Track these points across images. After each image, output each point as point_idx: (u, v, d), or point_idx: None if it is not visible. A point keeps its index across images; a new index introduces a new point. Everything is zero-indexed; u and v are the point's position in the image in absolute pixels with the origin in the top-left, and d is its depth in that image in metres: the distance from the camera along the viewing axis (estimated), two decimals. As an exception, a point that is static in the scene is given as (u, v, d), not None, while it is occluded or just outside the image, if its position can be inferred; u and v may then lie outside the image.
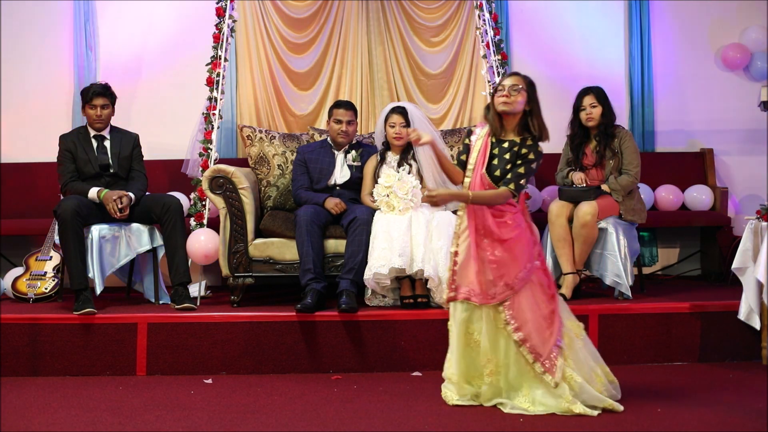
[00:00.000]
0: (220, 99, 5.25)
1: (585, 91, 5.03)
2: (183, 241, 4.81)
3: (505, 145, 3.67)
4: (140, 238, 4.87)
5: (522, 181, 3.63)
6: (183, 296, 4.67)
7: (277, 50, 6.00)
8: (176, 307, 4.61)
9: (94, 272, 4.65)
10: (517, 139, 3.67)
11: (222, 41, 5.27)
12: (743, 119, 6.16)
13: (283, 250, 4.78)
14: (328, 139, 5.13)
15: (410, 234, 4.57)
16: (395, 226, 4.57)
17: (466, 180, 3.68)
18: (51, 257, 5.17)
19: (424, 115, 5.13)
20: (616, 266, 4.75)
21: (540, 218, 5.20)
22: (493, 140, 3.68)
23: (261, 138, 5.29)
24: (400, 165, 4.88)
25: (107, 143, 4.96)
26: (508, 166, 3.64)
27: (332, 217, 4.81)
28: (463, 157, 3.75)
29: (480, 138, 3.71)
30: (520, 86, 3.63)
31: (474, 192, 3.62)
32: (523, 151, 3.64)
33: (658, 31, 6.23)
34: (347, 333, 4.43)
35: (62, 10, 6.03)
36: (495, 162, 3.65)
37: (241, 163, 5.48)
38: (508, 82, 3.65)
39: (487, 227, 3.62)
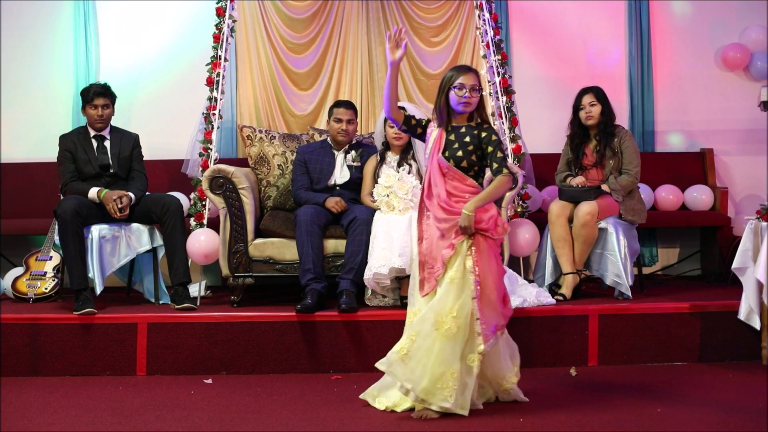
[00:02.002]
0: (220, 99, 5.25)
1: (584, 91, 5.04)
2: (183, 241, 4.81)
3: (462, 130, 3.71)
4: (140, 238, 4.87)
5: (508, 163, 3.77)
6: (183, 296, 4.67)
7: (277, 50, 6.00)
8: (176, 307, 4.61)
9: (94, 272, 4.65)
10: (472, 124, 3.74)
11: (222, 41, 5.27)
12: (743, 119, 6.16)
13: (283, 250, 4.78)
14: (328, 139, 5.13)
15: (410, 234, 4.56)
16: (395, 226, 4.57)
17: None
18: (51, 257, 5.17)
19: (424, 115, 5.12)
20: (616, 266, 4.75)
21: (540, 218, 5.21)
22: (448, 128, 3.74)
23: (261, 138, 5.29)
24: (399, 165, 4.88)
25: (107, 143, 4.96)
26: (470, 148, 3.67)
27: (332, 217, 4.81)
28: (413, 122, 3.79)
29: (435, 128, 3.76)
30: (479, 87, 3.72)
31: (478, 199, 3.61)
32: (483, 134, 3.70)
33: (658, 31, 6.23)
34: (347, 333, 4.43)
35: (62, 11, 6.03)
36: (455, 146, 3.68)
37: (241, 163, 5.48)
38: (467, 81, 3.67)
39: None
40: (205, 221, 5.06)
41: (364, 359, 4.41)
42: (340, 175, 5.03)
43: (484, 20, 5.36)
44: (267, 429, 3.42)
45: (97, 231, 4.72)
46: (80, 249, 4.60)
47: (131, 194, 4.80)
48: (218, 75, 5.23)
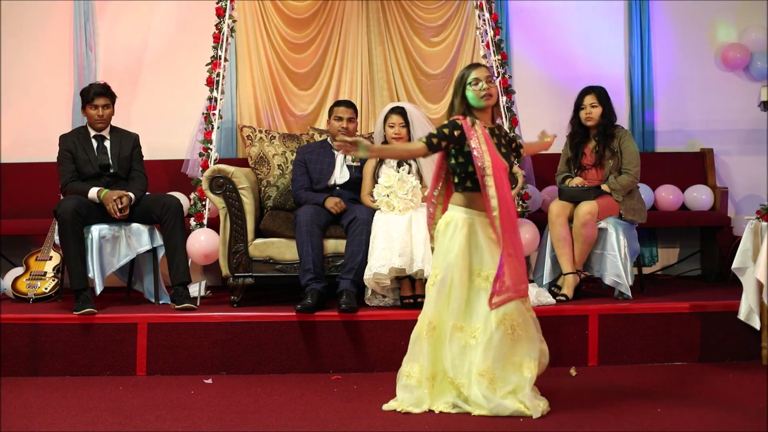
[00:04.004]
0: (220, 99, 5.25)
1: (586, 91, 5.03)
2: (183, 241, 4.80)
3: (497, 132, 3.70)
4: (140, 238, 4.87)
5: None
6: (183, 296, 4.67)
7: (277, 50, 6.00)
8: (176, 307, 4.61)
9: (94, 272, 4.65)
10: (494, 126, 3.71)
11: (222, 41, 5.26)
12: (743, 119, 6.16)
13: (283, 250, 4.78)
14: (328, 139, 5.13)
15: (410, 234, 4.57)
16: (395, 226, 4.57)
17: (489, 178, 3.53)
18: (51, 257, 5.17)
19: (424, 115, 5.14)
20: (616, 266, 4.75)
21: (540, 218, 5.21)
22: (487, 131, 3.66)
23: (261, 138, 5.29)
24: (399, 165, 4.89)
25: (107, 143, 4.96)
26: (504, 150, 3.68)
27: (332, 217, 4.81)
28: (443, 144, 3.59)
29: (480, 131, 3.60)
30: (493, 78, 3.70)
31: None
32: (510, 135, 3.80)
33: (658, 31, 6.23)
34: (347, 333, 4.43)
35: (62, 10, 6.03)
36: (503, 150, 3.67)
37: (241, 163, 5.48)
38: (481, 74, 3.62)
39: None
40: (205, 221, 5.06)
41: (364, 359, 4.42)
42: (340, 175, 5.03)
43: (484, 20, 5.36)
44: (267, 429, 3.42)
45: (97, 231, 4.72)
46: (80, 249, 4.60)
47: (131, 194, 4.80)
48: (218, 75, 5.23)
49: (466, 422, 3.44)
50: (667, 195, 5.93)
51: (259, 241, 4.83)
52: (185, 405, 3.78)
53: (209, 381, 4.24)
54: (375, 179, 4.87)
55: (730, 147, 6.21)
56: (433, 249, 3.74)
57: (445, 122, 3.65)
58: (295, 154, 5.17)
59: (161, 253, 4.91)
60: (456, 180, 3.67)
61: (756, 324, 4.31)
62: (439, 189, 3.76)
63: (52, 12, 6.05)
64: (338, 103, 5.13)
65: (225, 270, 4.81)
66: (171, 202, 4.84)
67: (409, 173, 4.80)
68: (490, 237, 3.58)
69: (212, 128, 5.18)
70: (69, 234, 4.57)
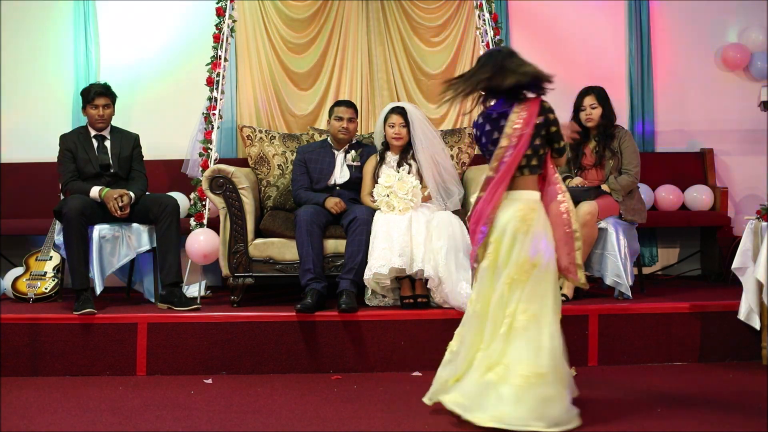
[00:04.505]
0: (220, 99, 5.25)
1: (586, 91, 5.03)
2: (177, 240, 4.77)
3: None
4: (140, 238, 4.87)
5: None
6: (178, 297, 4.62)
7: (277, 50, 6.00)
8: (182, 309, 4.55)
9: (94, 272, 4.65)
10: None
11: (222, 41, 5.27)
12: (743, 119, 6.17)
13: (283, 250, 4.78)
14: (329, 139, 5.13)
15: (410, 234, 4.57)
16: (395, 226, 4.57)
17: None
18: (51, 257, 5.17)
19: (424, 115, 5.13)
20: (616, 266, 4.75)
21: (540, 218, 5.21)
22: None
23: (261, 138, 5.30)
24: (399, 165, 4.89)
25: (107, 143, 4.96)
26: None
27: (332, 217, 4.81)
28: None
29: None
30: None
31: None
32: None
33: (658, 31, 6.24)
34: (347, 333, 4.43)
35: (62, 11, 6.03)
36: None
37: (241, 163, 5.49)
38: None
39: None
40: (205, 221, 5.06)
41: (364, 359, 4.42)
42: (340, 174, 5.04)
43: (484, 20, 5.36)
44: (267, 429, 3.42)
45: (97, 231, 4.72)
46: (84, 249, 4.60)
47: (131, 193, 4.80)
48: (218, 75, 5.23)
49: (465, 422, 3.44)
50: (667, 195, 5.93)
51: (259, 241, 4.83)
52: (185, 405, 3.79)
53: (209, 381, 4.24)
54: (375, 179, 4.87)
55: (730, 147, 6.21)
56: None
57: (547, 110, 3.79)
58: (295, 154, 5.17)
59: (161, 253, 4.91)
60: (535, 162, 3.55)
61: (756, 324, 4.31)
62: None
63: (52, 12, 6.05)
64: (338, 103, 5.13)
65: (225, 270, 4.81)
66: (168, 201, 4.83)
67: (408, 173, 4.80)
68: None
69: (212, 128, 5.18)
70: (74, 234, 4.56)
